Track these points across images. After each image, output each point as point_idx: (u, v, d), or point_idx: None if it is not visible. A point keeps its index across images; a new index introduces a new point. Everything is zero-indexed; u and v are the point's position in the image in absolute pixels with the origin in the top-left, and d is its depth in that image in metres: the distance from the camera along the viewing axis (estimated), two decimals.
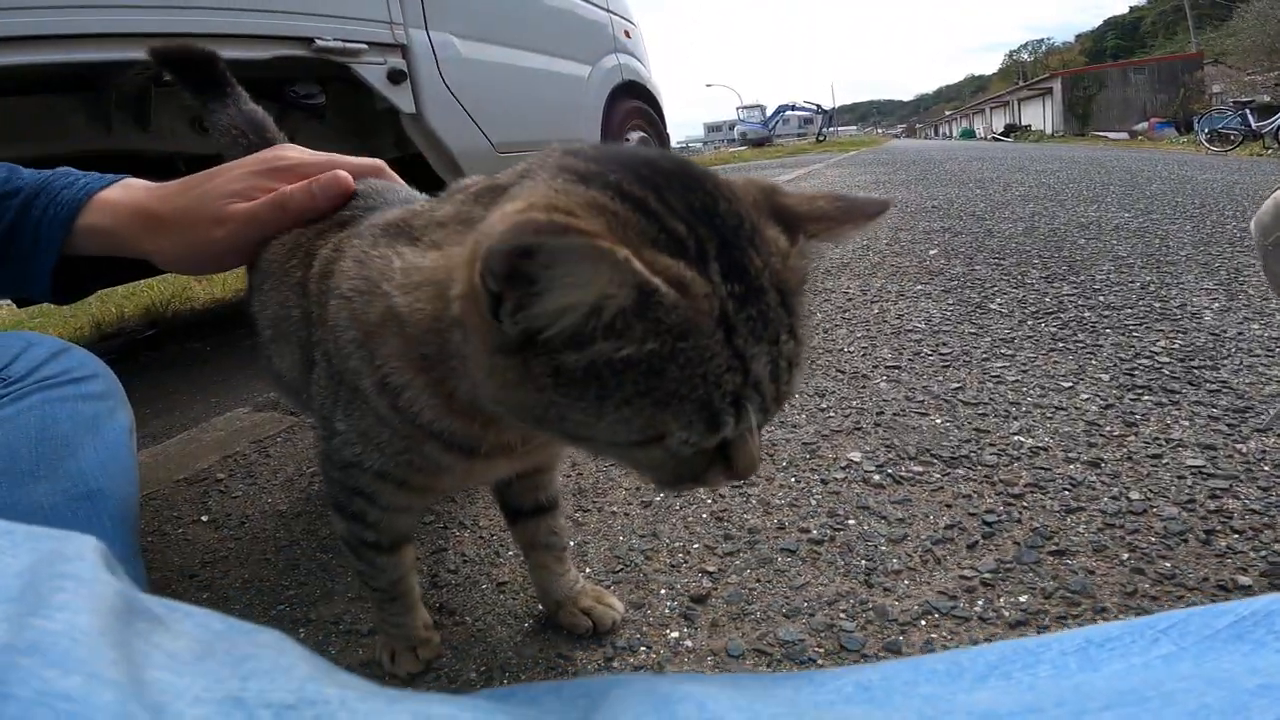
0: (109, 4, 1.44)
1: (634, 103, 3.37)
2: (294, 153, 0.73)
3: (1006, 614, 0.77)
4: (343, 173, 0.69)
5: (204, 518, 1.12)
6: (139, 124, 1.79)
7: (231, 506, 1.15)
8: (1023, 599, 0.79)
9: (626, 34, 3.46)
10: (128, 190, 0.71)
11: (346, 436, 0.57)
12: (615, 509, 1.02)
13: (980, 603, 0.79)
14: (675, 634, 0.77)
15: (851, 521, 0.95)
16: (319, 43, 1.77)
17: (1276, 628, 0.31)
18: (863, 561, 0.87)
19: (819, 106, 43.88)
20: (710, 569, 0.87)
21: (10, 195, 0.68)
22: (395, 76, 1.95)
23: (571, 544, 0.94)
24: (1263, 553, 0.84)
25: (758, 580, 0.85)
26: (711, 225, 0.40)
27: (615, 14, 3.36)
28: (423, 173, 2.04)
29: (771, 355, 0.40)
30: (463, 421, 0.51)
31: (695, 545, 0.92)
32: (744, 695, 0.27)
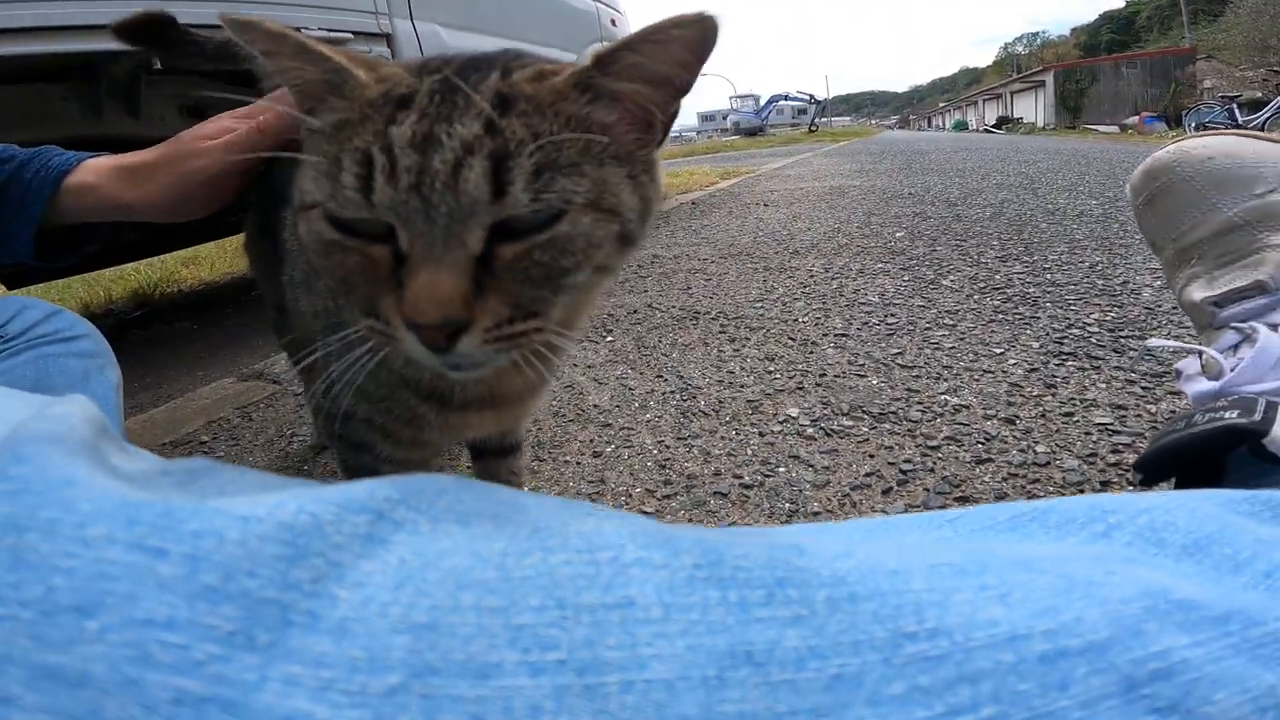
0: None
1: None
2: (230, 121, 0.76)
3: None
4: None
5: None
6: (130, 112, 1.85)
7: None
8: None
9: (613, 22, 3.53)
10: (112, 157, 0.78)
11: (339, 382, 0.60)
12: (569, 459, 1.11)
13: None
14: None
15: (782, 469, 1.04)
16: (305, 32, 1.84)
17: (1050, 521, 0.30)
18: (786, 504, 0.96)
19: (812, 97, 44.13)
20: (648, 510, 0.96)
21: (6, 161, 0.75)
22: None
23: (525, 490, 1.03)
24: None
25: (689, 520, 0.94)
26: (469, 63, 0.46)
27: (602, 3, 3.43)
28: None
29: (430, 129, 0.40)
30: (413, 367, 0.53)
31: (637, 489, 1.01)
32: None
